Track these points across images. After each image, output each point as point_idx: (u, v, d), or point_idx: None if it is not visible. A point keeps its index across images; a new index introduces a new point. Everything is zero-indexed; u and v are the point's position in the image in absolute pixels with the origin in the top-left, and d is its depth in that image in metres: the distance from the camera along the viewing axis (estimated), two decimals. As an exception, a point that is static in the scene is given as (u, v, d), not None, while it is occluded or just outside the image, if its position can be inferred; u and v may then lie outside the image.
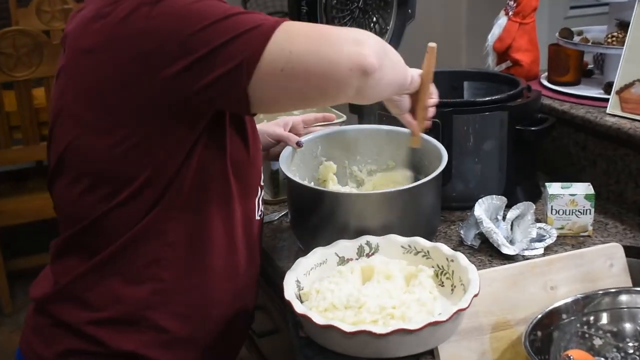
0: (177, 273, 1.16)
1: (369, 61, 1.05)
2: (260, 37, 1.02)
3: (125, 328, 1.15)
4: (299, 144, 1.49)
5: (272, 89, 1.05)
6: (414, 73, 1.29)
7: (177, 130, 1.08)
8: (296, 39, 1.04)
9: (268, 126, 1.53)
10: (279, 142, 1.51)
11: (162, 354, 1.16)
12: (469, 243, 1.46)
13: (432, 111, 1.37)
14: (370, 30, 1.91)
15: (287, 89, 1.06)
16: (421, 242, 1.29)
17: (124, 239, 1.12)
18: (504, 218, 1.49)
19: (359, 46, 1.06)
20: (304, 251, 1.34)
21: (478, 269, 1.22)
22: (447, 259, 1.26)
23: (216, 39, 1.02)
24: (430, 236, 1.38)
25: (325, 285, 1.20)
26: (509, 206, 1.50)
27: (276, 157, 1.50)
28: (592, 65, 1.98)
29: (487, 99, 1.59)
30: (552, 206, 1.48)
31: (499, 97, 1.59)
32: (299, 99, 1.10)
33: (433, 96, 1.36)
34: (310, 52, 1.04)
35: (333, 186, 1.52)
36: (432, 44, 1.32)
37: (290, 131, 1.55)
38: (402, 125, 1.46)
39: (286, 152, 1.48)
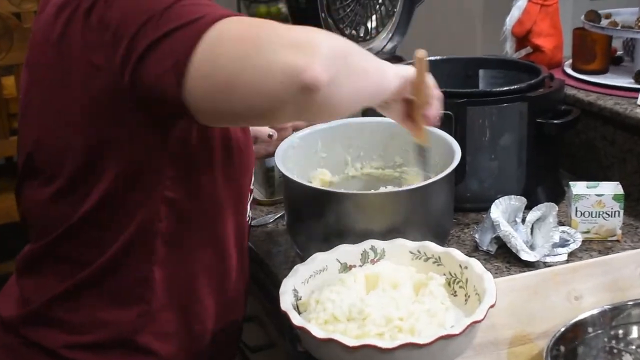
0: (164, 291, 1.16)
1: (310, 74, 0.91)
2: (191, 36, 0.96)
3: (110, 352, 1.15)
4: (270, 136, 1.48)
5: (203, 100, 0.98)
6: (403, 73, 1.17)
7: (147, 134, 1.07)
8: (225, 41, 0.95)
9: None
10: (256, 139, 1.51)
11: None
12: (485, 248, 1.46)
13: (433, 117, 1.27)
14: (375, 14, 1.92)
15: (216, 102, 0.98)
16: (432, 247, 1.29)
17: (106, 258, 1.12)
18: (523, 221, 1.50)
19: (300, 53, 0.92)
20: (302, 257, 1.34)
21: (495, 277, 1.23)
22: (460, 266, 1.26)
23: (153, 33, 0.97)
24: (441, 240, 1.39)
25: (325, 295, 1.20)
26: (528, 207, 1.50)
27: (260, 156, 1.50)
28: (621, 52, 1.98)
29: (504, 88, 1.59)
30: (576, 207, 1.48)
31: (518, 86, 1.59)
32: (230, 115, 1.01)
33: (431, 101, 1.24)
34: (236, 57, 0.94)
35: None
36: (421, 54, 1.20)
37: (273, 127, 1.54)
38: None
39: (282, 147, 1.48)
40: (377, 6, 1.92)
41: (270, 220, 1.63)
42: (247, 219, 1.31)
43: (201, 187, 1.15)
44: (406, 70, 1.18)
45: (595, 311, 1.26)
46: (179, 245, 1.16)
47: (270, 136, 1.47)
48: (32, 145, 1.14)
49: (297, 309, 1.20)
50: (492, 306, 1.15)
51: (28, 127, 1.16)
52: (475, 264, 1.24)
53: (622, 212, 1.48)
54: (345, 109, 1.04)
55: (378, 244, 1.31)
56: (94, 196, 1.10)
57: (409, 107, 1.25)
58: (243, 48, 0.94)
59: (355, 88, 1.02)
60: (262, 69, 0.93)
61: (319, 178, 1.55)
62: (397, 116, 1.27)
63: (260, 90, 0.94)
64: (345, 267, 1.29)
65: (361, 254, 1.30)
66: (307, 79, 0.91)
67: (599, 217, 1.48)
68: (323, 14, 1.82)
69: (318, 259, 1.29)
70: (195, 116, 1.00)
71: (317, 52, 0.93)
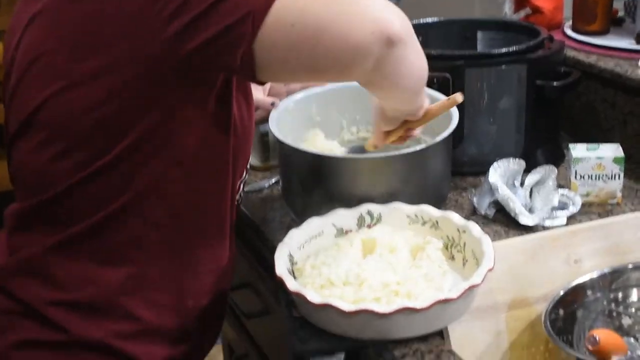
0: (159, 258, 1.16)
1: (395, 29, 1.03)
2: None
3: (93, 314, 1.15)
4: (273, 104, 1.49)
5: (280, 49, 1.03)
6: (425, 102, 1.29)
7: (173, 95, 1.07)
8: None
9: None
10: (257, 108, 1.51)
11: (131, 345, 1.17)
12: (483, 212, 1.47)
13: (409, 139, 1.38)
14: None
15: (296, 51, 1.04)
16: (429, 211, 1.30)
17: (103, 214, 1.12)
18: (522, 184, 1.50)
19: (384, 11, 1.04)
20: (297, 222, 1.35)
21: (493, 241, 1.23)
22: (458, 230, 1.27)
23: None
24: (439, 205, 1.39)
25: (321, 260, 1.21)
26: (527, 171, 1.50)
27: (259, 123, 1.50)
28: (622, 13, 1.98)
29: (503, 50, 1.58)
30: (576, 170, 1.49)
31: (517, 48, 1.59)
32: (310, 64, 1.07)
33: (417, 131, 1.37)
34: (326, 7, 1.02)
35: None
36: (459, 99, 1.29)
37: (270, 93, 1.54)
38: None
39: (277, 112, 1.48)
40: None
41: (265, 186, 1.63)
42: (239, 197, 1.31)
43: (209, 153, 1.15)
44: (426, 101, 1.29)
45: (594, 274, 1.27)
46: (179, 209, 1.16)
47: (272, 104, 1.48)
48: (37, 106, 1.11)
49: (292, 274, 1.21)
50: (490, 270, 1.16)
51: (33, 87, 1.13)
52: (473, 228, 1.25)
53: (622, 174, 1.48)
54: (403, 80, 1.13)
55: (374, 208, 1.31)
56: (103, 160, 1.10)
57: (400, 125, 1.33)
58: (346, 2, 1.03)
59: (416, 62, 1.12)
60: (355, 18, 1.02)
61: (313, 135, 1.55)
62: (384, 131, 1.34)
63: (349, 40, 1.02)
64: (342, 232, 1.30)
65: (357, 219, 1.31)
66: (393, 32, 1.03)
67: (599, 179, 1.48)
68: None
69: (313, 223, 1.29)
70: (258, 70, 1.04)
71: (395, 13, 1.05)
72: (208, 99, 1.11)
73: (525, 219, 1.41)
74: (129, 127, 1.08)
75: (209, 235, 1.22)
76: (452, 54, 1.58)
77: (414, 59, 1.12)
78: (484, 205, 1.47)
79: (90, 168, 1.10)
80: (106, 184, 1.11)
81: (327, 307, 1.11)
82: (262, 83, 1.13)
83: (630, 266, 1.28)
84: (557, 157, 1.65)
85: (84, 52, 1.07)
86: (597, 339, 1.07)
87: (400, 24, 1.05)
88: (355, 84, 1.55)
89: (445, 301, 1.11)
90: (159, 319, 1.19)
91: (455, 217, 1.28)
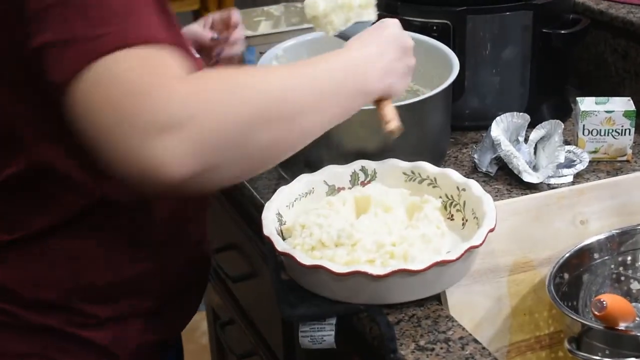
0: (104, 261, 1.12)
1: (169, 172, 0.84)
2: (80, 58, 0.87)
3: (45, 310, 1.11)
4: (214, 39, 1.47)
5: (77, 128, 0.91)
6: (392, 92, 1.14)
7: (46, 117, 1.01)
8: (97, 89, 0.86)
9: (188, 30, 1.48)
10: (200, 49, 1.48)
11: (93, 333, 1.13)
12: (484, 169, 1.46)
13: None
14: None
15: (83, 138, 0.91)
16: (427, 167, 1.30)
17: (36, 228, 1.07)
18: (526, 140, 1.50)
19: (167, 141, 0.83)
20: (287, 179, 1.34)
21: (495, 200, 1.23)
22: (457, 188, 1.26)
23: (58, 29, 0.89)
24: (437, 161, 1.39)
25: (312, 219, 1.21)
26: (532, 125, 1.50)
27: (229, 60, 1.48)
28: (636, -44, 1.96)
29: (508, -5, 1.58)
30: (584, 125, 1.48)
31: (522, -7, 1.58)
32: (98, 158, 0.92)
33: None
34: (94, 117, 0.87)
35: None
36: (396, 133, 1.15)
37: (213, 27, 1.50)
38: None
39: (264, 59, 1.48)
40: None
41: (252, 141, 1.62)
42: None
43: None
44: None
45: (602, 236, 1.27)
46: (116, 219, 1.11)
47: (214, 39, 1.46)
48: None
49: (281, 234, 1.21)
50: (491, 230, 1.16)
51: None
52: (474, 186, 1.24)
53: (633, 130, 1.48)
54: (244, 178, 1.02)
55: (369, 164, 1.31)
56: (19, 164, 1.05)
57: None
58: (104, 112, 0.86)
59: (248, 166, 0.95)
60: (121, 149, 0.85)
61: None
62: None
63: (120, 168, 0.87)
64: (334, 190, 1.30)
65: (350, 176, 1.31)
66: (163, 178, 0.84)
67: (608, 135, 1.48)
68: None
69: (304, 180, 1.29)
70: None
71: (192, 136, 0.84)
72: None
73: (529, 177, 1.41)
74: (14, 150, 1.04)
75: (159, 233, 1.16)
76: (453, -1, 1.57)
77: (239, 167, 0.92)
78: (485, 162, 1.47)
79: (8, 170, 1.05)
80: (27, 202, 1.07)
81: (318, 269, 1.11)
82: None
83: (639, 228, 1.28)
84: (564, 111, 1.65)
85: None
86: (604, 304, 1.07)
87: (188, 155, 0.84)
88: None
89: (444, 263, 1.11)
90: (120, 310, 1.15)
91: (454, 175, 1.27)
